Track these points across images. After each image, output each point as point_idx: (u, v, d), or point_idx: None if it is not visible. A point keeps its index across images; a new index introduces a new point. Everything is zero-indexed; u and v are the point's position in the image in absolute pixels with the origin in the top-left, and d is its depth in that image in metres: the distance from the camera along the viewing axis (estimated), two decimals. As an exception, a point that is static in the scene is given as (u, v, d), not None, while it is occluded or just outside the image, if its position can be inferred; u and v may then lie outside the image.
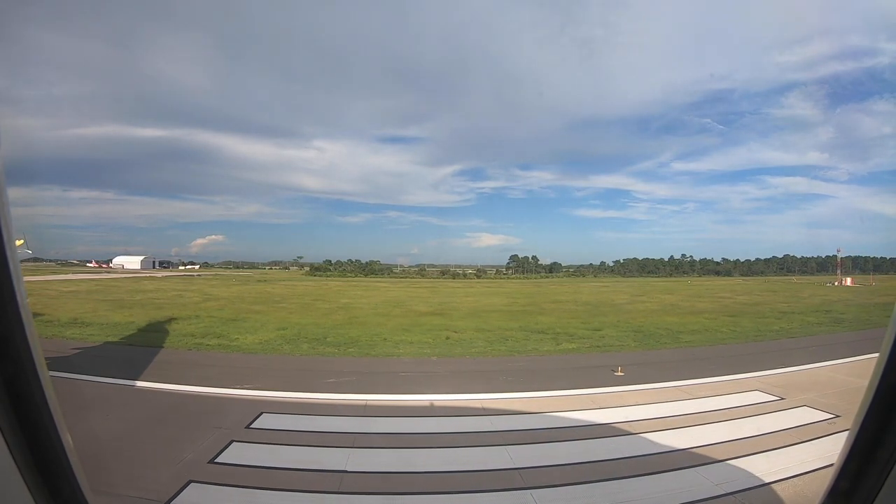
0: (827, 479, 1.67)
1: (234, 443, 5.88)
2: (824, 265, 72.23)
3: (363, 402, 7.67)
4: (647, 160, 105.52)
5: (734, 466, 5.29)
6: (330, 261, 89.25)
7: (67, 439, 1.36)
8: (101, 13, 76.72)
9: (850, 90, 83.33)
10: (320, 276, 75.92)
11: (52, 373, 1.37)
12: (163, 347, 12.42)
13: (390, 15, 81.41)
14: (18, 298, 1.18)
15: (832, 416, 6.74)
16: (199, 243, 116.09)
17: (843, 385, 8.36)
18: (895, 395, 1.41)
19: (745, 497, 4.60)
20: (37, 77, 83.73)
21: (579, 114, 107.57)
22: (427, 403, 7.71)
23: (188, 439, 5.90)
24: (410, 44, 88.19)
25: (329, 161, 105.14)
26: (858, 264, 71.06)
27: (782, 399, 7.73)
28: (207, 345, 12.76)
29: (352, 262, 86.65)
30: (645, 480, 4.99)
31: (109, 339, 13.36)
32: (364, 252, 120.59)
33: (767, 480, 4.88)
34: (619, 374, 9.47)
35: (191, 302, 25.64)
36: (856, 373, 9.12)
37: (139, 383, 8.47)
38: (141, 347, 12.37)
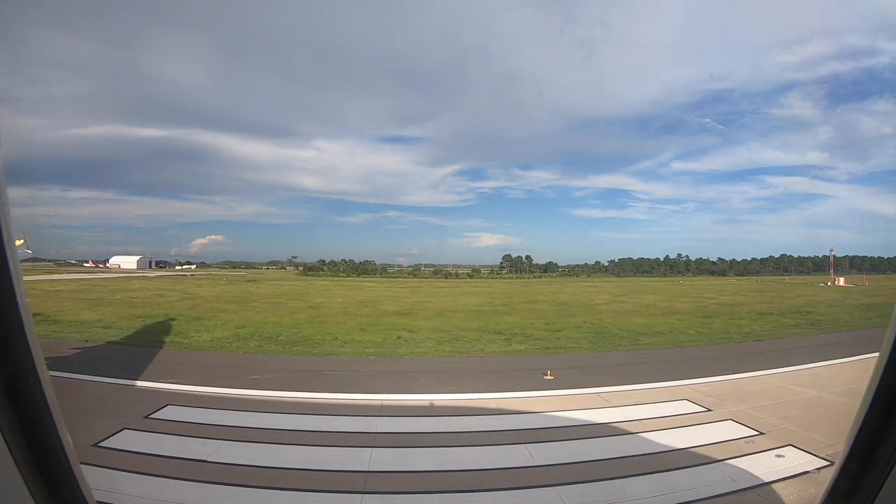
0: (826, 479, 1.64)
1: (126, 430, 6.02)
2: (821, 265, 71.21)
3: (274, 399, 7.66)
4: (646, 160, 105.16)
5: (631, 483, 4.87)
6: (324, 261, 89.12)
7: (67, 439, 1.34)
8: (101, 13, 76.91)
9: (849, 90, 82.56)
10: (313, 275, 75.65)
11: (52, 373, 1.34)
12: (116, 344, 12.55)
13: (390, 15, 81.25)
14: (18, 298, 1.16)
15: (755, 433, 6.12)
16: (199, 243, 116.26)
17: (786, 396, 7.74)
18: (895, 395, 1.38)
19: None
20: (37, 77, 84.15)
21: (579, 114, 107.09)
22: (337, 402, 7.58)
23: (81, 424, 5.99)
24: (410, 44, 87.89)
25: (329, 161, 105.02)
26: (856, 264, 70.13)
27: (709, 411, 7.11)
28: (161, 342, 12.85)
29: (345, 262, 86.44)
30: (539, 492, 4.77)
31: (72, 335, 13.34)
32: (364, 252, 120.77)
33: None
34: (549, 377, 9.05)
35: (167, 301, 25.49)
36: (807, 382, 8.50)
37: (63, 374, 8.52)
38: (96, 345, 12.33)
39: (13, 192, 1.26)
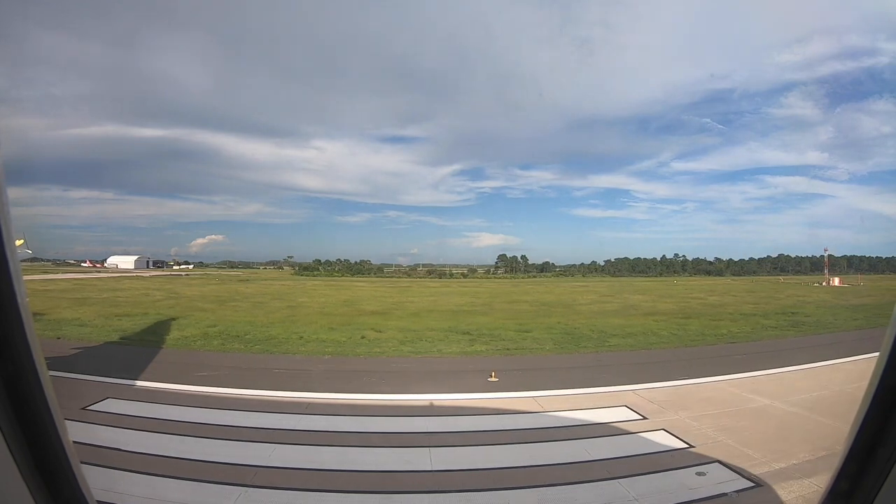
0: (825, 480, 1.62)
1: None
2: (819, 265, 70.33)
3: (217, 395, 7.77)
4: (646, 160, 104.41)
5: (514, 495, 4.62)
6: (319, 260, 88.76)
7: (67, 439, 1.33)
8: (101, 13, 76.89)
9: (849, 90, 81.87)
10: (307, 275, 75.40)
11: (52, 373, 1.32)
12: (80, 341, 12.49)
13: (390, 15, 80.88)
14: (18, 298, 1.15)
15: (685, 445, 5.68)
16: (199, 243, 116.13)
17: (736, 404, 7.29)
18: (895, 395, 1.36)
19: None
20: (37, 77, 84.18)
21: (579, 114, 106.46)
22: (279, 399, 7.61)
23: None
24: (410, 44, 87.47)
25: (328, 161, 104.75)
26: (854, 264, 69.43)
27: (644, 419, 6.68)
28: (129, 339, 13.00)
29: (340, 261, 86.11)
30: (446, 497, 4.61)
31: (45, 332, 13.36)
32: (363, 252, 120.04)
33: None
34: (493, 379, 8.76)
35: (150, 301, 25.56)
36: (764, 388, 8.03)
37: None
38: (65, 341, 12.41)
39: (13, 192, 1.24)
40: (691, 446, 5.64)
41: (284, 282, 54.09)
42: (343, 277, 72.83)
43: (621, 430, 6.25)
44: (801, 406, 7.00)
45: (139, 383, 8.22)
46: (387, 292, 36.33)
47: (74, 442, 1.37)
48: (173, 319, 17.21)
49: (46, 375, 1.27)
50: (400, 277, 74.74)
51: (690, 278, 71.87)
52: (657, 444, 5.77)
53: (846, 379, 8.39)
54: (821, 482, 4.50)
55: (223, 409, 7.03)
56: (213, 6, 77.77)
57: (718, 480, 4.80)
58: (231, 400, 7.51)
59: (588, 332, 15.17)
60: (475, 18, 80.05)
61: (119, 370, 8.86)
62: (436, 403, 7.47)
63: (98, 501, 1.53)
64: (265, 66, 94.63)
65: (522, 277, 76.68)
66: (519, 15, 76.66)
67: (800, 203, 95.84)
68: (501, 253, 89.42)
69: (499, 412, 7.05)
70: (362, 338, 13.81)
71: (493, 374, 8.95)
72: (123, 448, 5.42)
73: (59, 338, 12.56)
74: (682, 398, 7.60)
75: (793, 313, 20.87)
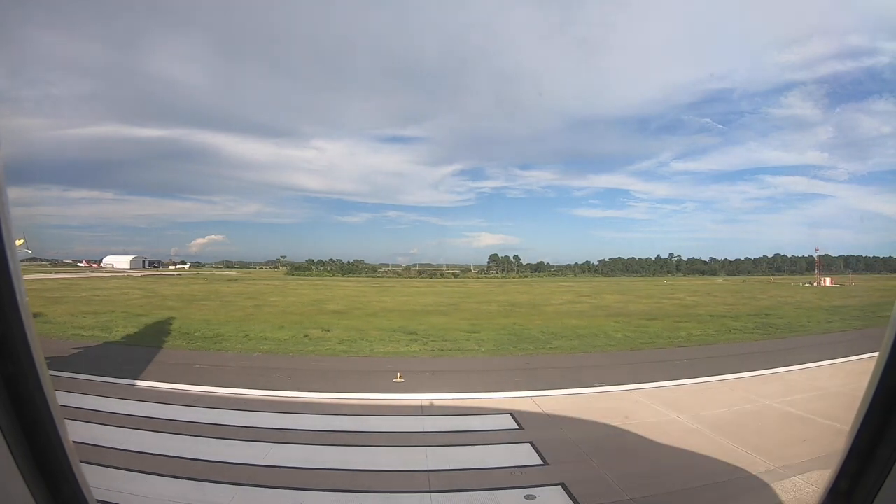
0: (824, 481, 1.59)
1: None
2: (814, 265, 69.27)
3: (127, 386, 7.97)
4: (646, 160, 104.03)
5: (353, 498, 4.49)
6: (312, 260, 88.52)
7: (67, 439, 1.32)
8: (101, 13, 77.18)
9: (849, 90, 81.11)
10: (298, 275, 75.12)
11: (52, 373, 1.31)
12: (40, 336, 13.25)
13: (390, 15, 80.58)
14: (18, 298, 1.15)
15: (541, 463, 5.12)
16: (199, 243, 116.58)
17: (628, 417, 6.64)
18: (895, 395, 1.34)
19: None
20: (37, 77, 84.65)
21: (579, 113, 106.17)
22: (189, 393, 7.72)
23: None
24: (410, 44, 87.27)
25: (328, 161, 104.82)
26: (851, 264, 68.24)
27: (521, 429, 6.14)
28: (82, 335, 13.17)
29: (333, 261, 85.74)
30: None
31: None
32: (363, 252, 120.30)
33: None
34: (399, 380, 8.53)
35: (125, 299, 25.62)
36: (672, 399, 7.32)
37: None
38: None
39: (13, 192, 1.21)
40: (546, 464, 5.10)
41: (271, 282, 53.69)
42: (333, 277, 72.45)
43: (488, 439, 5.87)
44: (706, 423, 6.25)
45: (52, 373, 8.26)
46: (364, 292, 35.81)
47: (74, 442, 1.35)
48: (137, 317, 17.45)
49: (46, 375, 1.25)
50: (390, 277, 74.26)
51: (682, 278, 70.91)
52: (513, 457, 5.29)
53: (776, 392, 7.66)
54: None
55: (139, 401, 7.16)
56: (213, 6, 77.86)
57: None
58: (148, 392, 7.75)
59: (538, 333, 14.54)
60: (475, 18, 79.83)
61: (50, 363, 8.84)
62: (329, 401, 7.39)
63: (98, 501, 1.50)
64: (265, 67, 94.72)
65: (514, 277, 75.96)
66: (519, 15, 76.25)
67: (799, 203, 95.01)
68: (493, 253, 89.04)
69: (383, 414, 6.86)
70: (305, 336, 13.64)
71: (398, 375, 8.69)
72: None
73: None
74: (578, 407, 6.96)
75: (766, 315, 20.12)
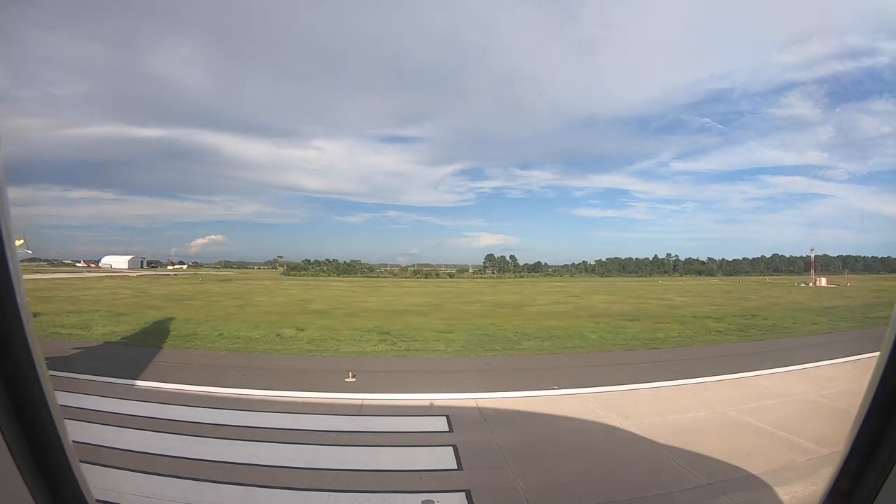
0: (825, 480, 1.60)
1: None
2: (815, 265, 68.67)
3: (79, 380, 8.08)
4: (646, 160, 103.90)
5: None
6: (308, 260, 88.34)
7: (67, 439, 1.32)
8: (101, 14, 77.25)
9: (849, 90, 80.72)
10: (294, 275, 74.99)
11: (52, 373, 1.31)
12: None
13: (390, 15, 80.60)
14: (18, 298, 1.15)
15: (455, 468, 4.92)
16: (199, 243, 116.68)
17: (565, 422, 6.41)
18: (895, 395, 1.35)
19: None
20: (36, 77, 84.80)
21: (579, 114, 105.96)
22: (147, 388, 7.80)
23: None
24: (410, 44, 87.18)
25: (328, 161, 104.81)
26: (849, 264, 67.59)
27: (450, 432, 5.91)
28: (59, 333, 13.32)
29: (329, 261, 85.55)
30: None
31: None
32: (363, 252, 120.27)
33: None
34: (350, 380, 8.42)
35: (112, 299, 25.79)
36: (619, 404, 7.01)
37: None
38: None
39: (13, 192, 1.21)
40: (460, 469, 4.88)
41: (264, 282, 53.52)
42: (329, 278, 72.31)
43: (413, 441, 5.75)
44: (650, 431, 5.90)
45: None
46: (353, 292, 35.57)
47: (74, 441, 1.33)
48: (118, 316, 17.55)
49: (46, 375, 1.25)
50: (385, 278, 74.02)
51: (678, 279, 70.42)
52: (430, 460, 5.12)
53: (737, 398, 7.26)
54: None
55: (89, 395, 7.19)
56: (213, 6, 77.86)
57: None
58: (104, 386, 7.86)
59: (511, 334, 14.25)
60: (475, 18, 79.63)
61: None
62: (272, 399, 7.38)
63: (98, 501, 1.49)
64: (265, 66, 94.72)
65: (509, 278, 75.64)
66: (519, 15, 76.06)
67: (799, 203, 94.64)
68: (492, 253, 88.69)
69: (320, 412, 6.76)
70: (277, 336, 13.60)
71: (350, 374, 8.60)
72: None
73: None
74: (521, 411, 6.78)
75: (752, 316, 19.75)
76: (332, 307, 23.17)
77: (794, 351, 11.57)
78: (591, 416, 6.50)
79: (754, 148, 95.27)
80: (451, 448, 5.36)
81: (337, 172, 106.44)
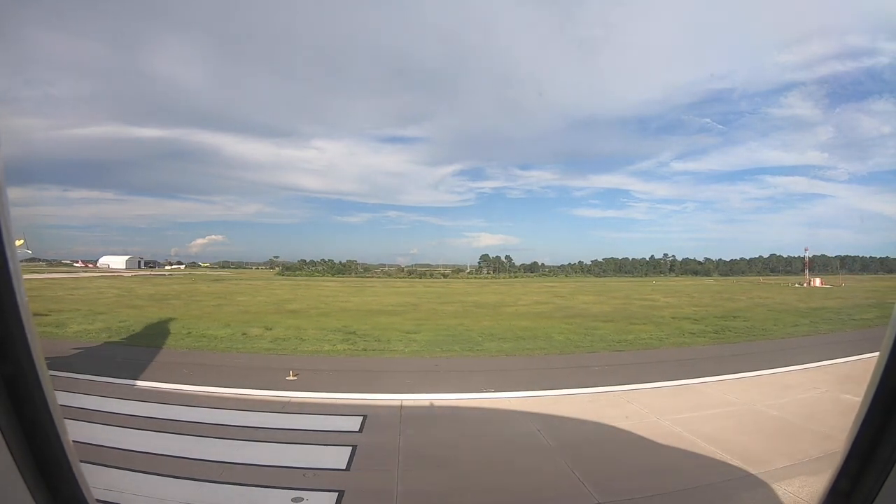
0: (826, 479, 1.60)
1: None
2: (810, 265, 68.04)
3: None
4: (646, 160, 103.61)
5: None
6: (304, 261, 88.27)
7: (67, 439, 1.32)
8: (101, 14, 77.42)
9: (849, 90, 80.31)
10: (289, 275, 74.91)
11: (52, 373, 1.30)
12: None
13: (390, 15, 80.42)
14: (18, 298, 1.13)
15: (343, 468, 4.79)
16: (199, 243, 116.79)
17: (483, 423, 6.22)
18: (895, 395, 1.34)
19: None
20: (36, 77, 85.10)
21: (579, 114, 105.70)
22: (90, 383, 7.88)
23: None
24: (410, 44, 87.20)
25: (328, 161, 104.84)
26: (847, 264, 66.95)
27: (358, 433, 5.88)
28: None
29: (324, 262, 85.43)
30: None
31: None
32: (363, 252, 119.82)
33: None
34: (291, 378, 8.45)
35: (95, 299, 25.72)
36: (546, 409, 6.71)
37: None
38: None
39: (13, 192, 1.21)
40: (347, 469, 4.80)
41: (255, 282, 53.36)
42: (323, 277, 72.20)
43: (320, 439, 5.69)
44: (563, 439, 5.62)
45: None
46: (339, 292, 35.33)
47: (74, 441, 1.31)
48: (96, 315, 17.66)
49: (46, 375, 1.24)
50: (380, 278, 73.81)
51: (674, 279, 69.93)
52: (324, 459, 5.04)
53: (677, 406, 6.84)
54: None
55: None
56: (213, 6, 77.93)
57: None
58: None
59: (478, 335, 13.94)
60: (475, 18, 79.51)
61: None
62: (207, 394, 7.47)
63: (98, 501, 1.48)
64: (265, 66, 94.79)
65: (504, 278, 75.27)
66: (519, 15, 75.83)
67: (800, 203, 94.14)
68: (492, 253, 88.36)
69: (244, 408, 6.74)
70: (243, 334, 13.64)
71: (292, 373, 8.64)
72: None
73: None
74: (441, 414, 6.73)
75: (734, 317, 19.36)
76: (310, 307, 22.97)
77: (763, 355, 11.20)
78: (509, 422, 6.23)
79: (754, 148, 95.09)
80: (349, 448, 5.25)
81: (337, 172, 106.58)
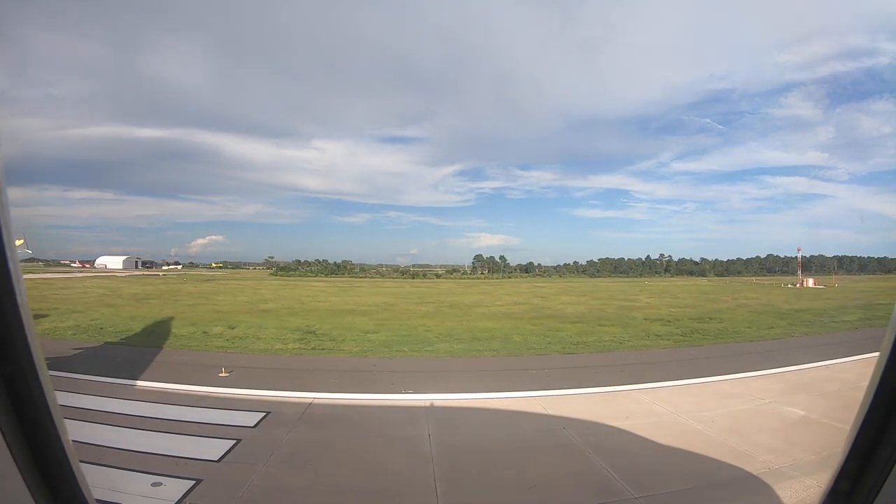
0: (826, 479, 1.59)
1: None
2: (807, 265, 67.29)
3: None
4: (646, 160, 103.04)
5: None
6: (299, 261, 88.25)
7: (67, 439, 1.33)
8: (101, 14, 77.83)
9: (849, 90, 79.62)
10: (282, 275, 74.91)
11: (52, 373, 1.31)
12: None
13: (390, 15, 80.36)
14: (18, 298, 1.14)
15: (215, 460, 4.87)
16: (199, 243, 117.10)
17: (381, 424, 6.05)
18: (895, 395, 1.34)
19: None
20: (37, 77, 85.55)
21: (579, 114, 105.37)
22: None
23: None
24: (410, 44, 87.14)
25: (329, 161, 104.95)
26: (845, 264, 66.14)
27: (252, 427, 5.91)
28: None
29: (319, 262, 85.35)
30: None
31: None
32: (363, 252, 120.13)
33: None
34: (223, 375, 8.56)
35: (80, 298, 26.05)
36: (444, 414, 6.54)
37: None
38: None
39: (13, 192, 1.22)
40: (218, 462, 4.87)
41: (244, 282, 53.27)
42: (316, 278, 72.12)
43: (214, 433, 5.70)
44: (449, 443, 5.39)
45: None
46: (323, 292, 35.15)
47: (74, 441, 1.30)
48: (71, 313, 17.84)
49: (46, 375, 1.24)
50: (372, 278, 73.62)
51: (668, 279, 69.36)
52: (205, 450, 5.09)
53: (591, 414, 6.46)
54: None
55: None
56: (212, 6, 78.13)
57: (164, 496, 4.11)
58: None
59: (434, 336, 13.69)
60: (475, 18, 79.37)
61: None
62: (139, 387, 7.65)
63: (98, 501, 1.47)
64: (265, 67, 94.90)
65: (497, 278, 74.89)
66: (519, 15, 75.63)
67: (799, 203, 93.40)
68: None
69: (159, 401, 6.88)
70: (204, 333, 13.78)
71: (224, 370, 8.79)
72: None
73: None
74: (343, 415, 6.54)
75: (709, 319, 18.98)
76: (283, 307, 22.80)
77: (721, 360, 10.75)
78: (402, 424, 6.07)
79: (754, 148, 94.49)
80: (233, 441, 5.34)
81: (337, 173, 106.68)
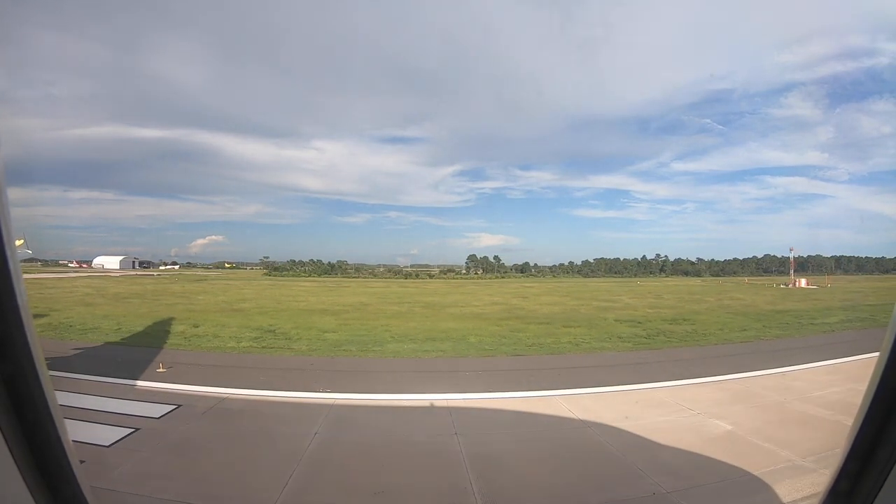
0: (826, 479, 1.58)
1: None
2: (804, 265, 66.62)
3: None
4: (646, 160, 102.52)
5: None
6: (294, 261, 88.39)
7: (67, 439, 1.34)
8: (101, 14, 78.24)
9: (849, 90, 78.86)
10: (276, 275, 75.01)
11: (52, 373, 1.33)
12: None
13: (390, 15, 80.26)
14: (18, 298, 1.15)
15: (106, 445, 5.14)
16: (199, 244, 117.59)
17: (289, 423, 5.87)
18: (895, 395, 1.34)
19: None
20: (36, 77, 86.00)
21: (579, 114, 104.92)
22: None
23: None
24: (410, 44, 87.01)
25: (329, 161, 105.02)
26: (842, 264, 65.38)
27: (156, 419, 6.12)
28: None
29: (313, 262, 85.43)
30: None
31: None
32: (363, 252, 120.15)
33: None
34: (161, 370, 8.73)
35: (64, 297, 26.36)
36: (346, 413, 6.36)
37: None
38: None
39: (13, 192, 1.22)
40: (106, 447, 5.06)
41: (234, 282, 53.28)
42: (308, 277, 72.17)
43: (119, 422, 5.83)
44: (332, 447, 5.23)
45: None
46: (305, 292, 35.03)
47: (74, 441, 1.28)
48: (52, 311, 18.24)
49: (46, 375, 1.25)
50: (364, 278, 73.52)
51: (663, 279, 68.83)
52: (100, 437, 5.27)
53: (507, 420, 6.27)
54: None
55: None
56: (212, 6, 78.36)
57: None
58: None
59: (389, 336, 13.50)
60: (475, 18, 79.09)
61: None
62: (69, 379, 7.76)
63: (98, 501, 1.48)
64: (265, 67, 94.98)
65: (490, 278, 74.61)
66: (519, 15, 75.34)
67: (799, 203, 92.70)
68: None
69: (92, 392, 7.03)
70: (166, 331, 13.96)
71: (161, 365, 8.99)
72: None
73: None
74: (251, 410, 6.61)
75: (683, 321, 18.65)
76: (257, 307, 22.74)
77: (670, 364, 10.31)
78: (296, 421, 6.00)
79: (754, 148, 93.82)
80: (130, 430, 5.52)
81: (337, 173, 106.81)
